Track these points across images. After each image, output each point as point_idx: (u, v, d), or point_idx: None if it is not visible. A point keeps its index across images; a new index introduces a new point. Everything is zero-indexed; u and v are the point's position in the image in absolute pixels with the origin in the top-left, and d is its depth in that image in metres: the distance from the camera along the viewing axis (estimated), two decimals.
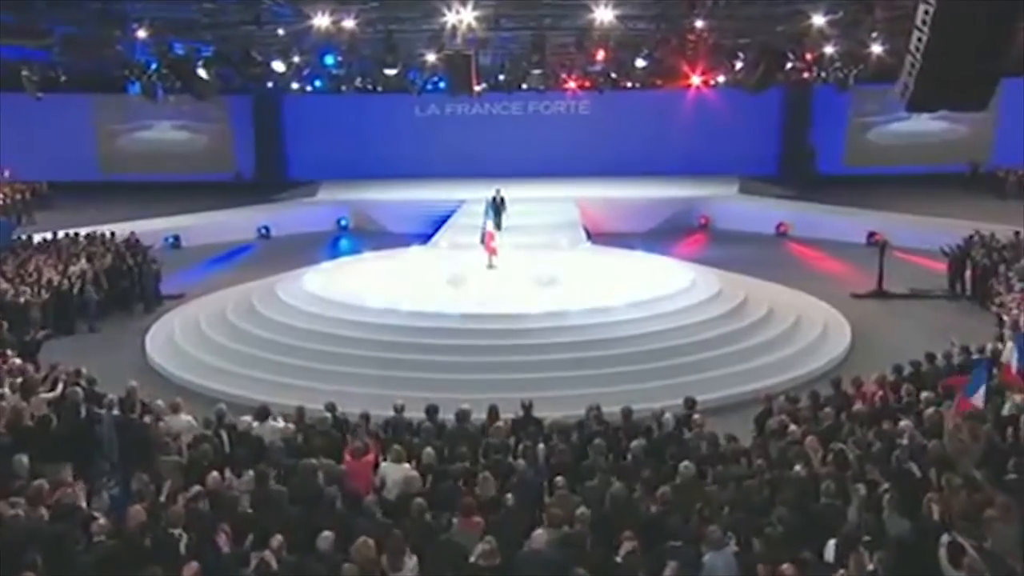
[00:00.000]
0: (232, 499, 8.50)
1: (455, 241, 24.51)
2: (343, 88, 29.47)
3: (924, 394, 10.69)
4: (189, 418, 10.88)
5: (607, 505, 8.40)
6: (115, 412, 10.70)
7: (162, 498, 8.51)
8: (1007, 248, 20.46)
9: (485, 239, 20.10)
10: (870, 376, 11.96)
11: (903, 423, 9.69)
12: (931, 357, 12.38)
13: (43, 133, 33.60)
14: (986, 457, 8.81)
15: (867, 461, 8.97)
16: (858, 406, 10.86)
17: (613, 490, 8.52)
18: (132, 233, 23.68)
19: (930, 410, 10.04)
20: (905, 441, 9.25)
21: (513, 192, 26.17)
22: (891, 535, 7.43)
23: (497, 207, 23.18)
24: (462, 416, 10.80)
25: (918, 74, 8.86)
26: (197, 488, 8.50)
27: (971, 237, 21.41)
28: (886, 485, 8.17)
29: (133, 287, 20.52)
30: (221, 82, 21.54)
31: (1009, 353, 10.34)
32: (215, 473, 8.80)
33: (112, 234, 23.66)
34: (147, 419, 10.74)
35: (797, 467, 8.97)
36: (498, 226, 22.37)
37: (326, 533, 7.50)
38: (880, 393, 11.37)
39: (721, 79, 27.59)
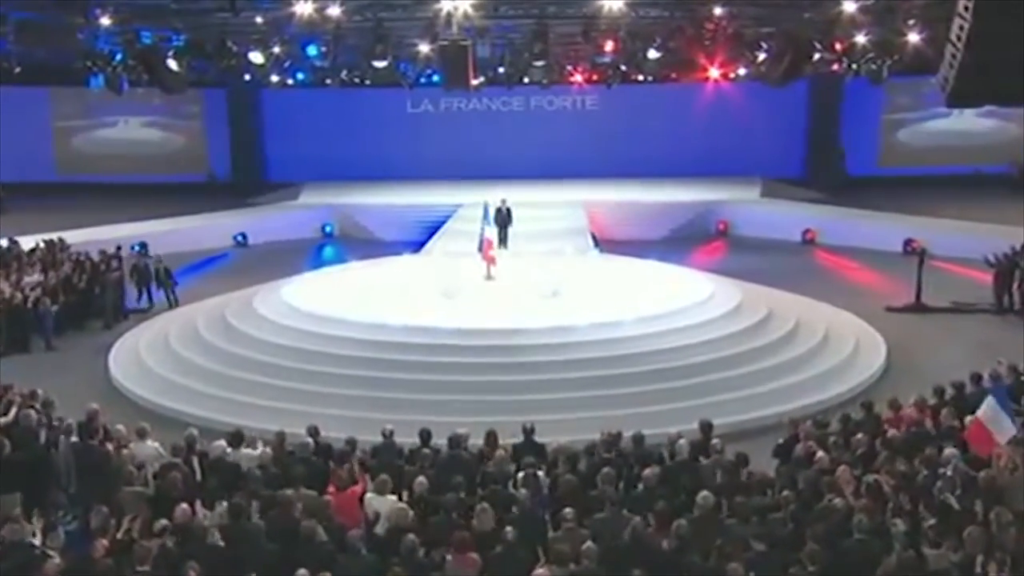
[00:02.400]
0: (203, 534, 8.45)
1: (450, 249, 24.50)
2: (328, 82, 29.51)
3: (969, 419, 10.63)
4: (156, 444, 10.84)
5: (617, 540, 8.35)
6: (73, 438, 10.66)
7: (119, 535, 8.44)
8: None
9: (483, 247, 20.08)
10: (908, 399, 11.91)
11: (947, 451, 9.65)
12: (976, 378, 12.30)
13: None
14: None
15: (904, 492, 8.92)
16: (894, 432, 10.81)
17: (624, 523, 8.47)
18: (118, 248, 23.46)
19: None
20: (949, 472, 9.21)
21: (514, 195, 26.17)
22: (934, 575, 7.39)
23: (504, 220, 22.88)
24: (457, 441, 10.77)
25: (959, 66, 8.85)
26: (164, 522, 8.45)
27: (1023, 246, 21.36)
28: (932, 520, 8.11)
29: (93, 300, 20.49)
30: (193, 75, 21.55)
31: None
32: (184, 505, 8.75)
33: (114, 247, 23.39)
34: (109, 446, 10.70)
35: (829, 499, 8.92)
36: (503, 241, 22.24)
37: (304, 572, 7.46)
38: (919, 417, 11.32)
39: (742, 72, 27.64)
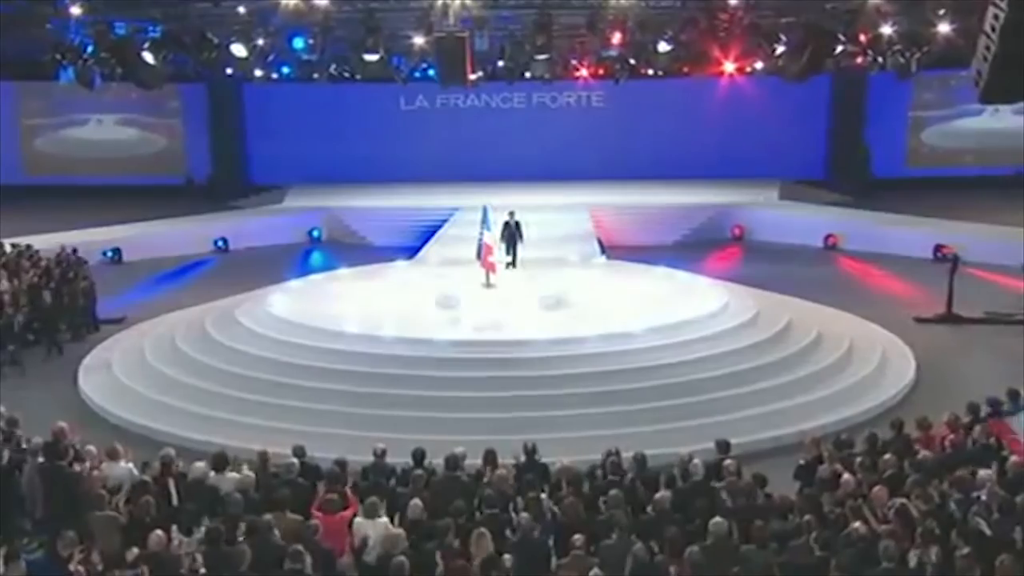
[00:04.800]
0: (178, 562, 8.40)
1: (446, 255, 24.49)
2: (315, 76, 29.49)
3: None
4: (129, 466, 10.82)
5: (626, 568, 8.31)
6: (40, 459, 10.61)
7: (79, 565, 8.37)
8: None
9: (482, 253, 20.06)
10: (939, 417, 11.88)
11: (982, 473, 9.62)
12: (1014, 394, 12.26)
13: None
14: None
15: (935, 517, 8.89)
16: (925, 453, 10.77)
17: (634, 550, 8.44)
18: (63, 247, 23.51)
19: (1015, 458, 9.94)
20: (984, 495, 9.17)
21: (515, 198, 26.21)
22: None
23: (512, 236, 22.58)
24: (454, 461, 10.73)
25: (994, 58, 8.86)
26: (137, 550, 8.40)
27: None
28: (966, 549, 8.06)
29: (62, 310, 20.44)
30: (171, 69, 21.59)
31: None
32: (159, 532, 8.71)
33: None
34: (78, 467, 10.66)
35: (855, 525, 8.88)
36: (512, 259, 22.06)
37: None
38: (952, 437, 11.29)
39: (759, 66, 27.64)
